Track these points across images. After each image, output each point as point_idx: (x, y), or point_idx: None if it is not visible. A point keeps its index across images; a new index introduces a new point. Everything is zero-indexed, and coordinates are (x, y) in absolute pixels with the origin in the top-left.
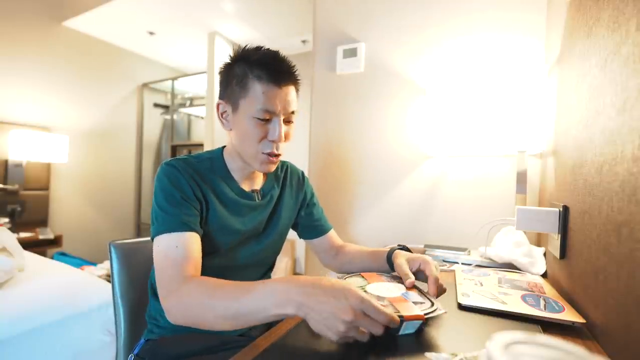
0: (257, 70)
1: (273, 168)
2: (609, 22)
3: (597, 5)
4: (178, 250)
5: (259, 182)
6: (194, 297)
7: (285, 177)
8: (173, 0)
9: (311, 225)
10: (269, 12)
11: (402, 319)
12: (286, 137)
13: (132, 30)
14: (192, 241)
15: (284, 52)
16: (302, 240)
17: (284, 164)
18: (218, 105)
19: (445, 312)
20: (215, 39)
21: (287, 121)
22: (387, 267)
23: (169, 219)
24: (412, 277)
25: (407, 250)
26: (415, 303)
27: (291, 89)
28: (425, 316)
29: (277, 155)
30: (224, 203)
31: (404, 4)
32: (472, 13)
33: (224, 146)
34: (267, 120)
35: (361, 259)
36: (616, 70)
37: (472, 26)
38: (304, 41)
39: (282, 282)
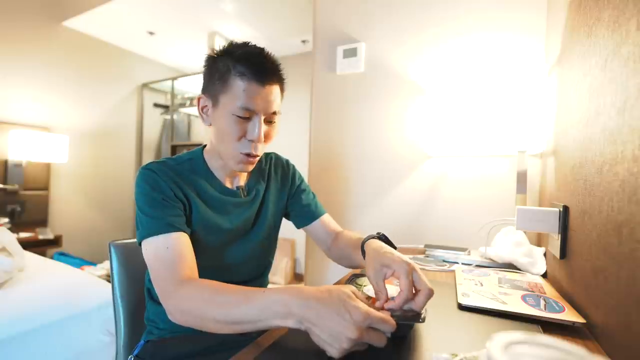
0: (240, 66)
1: (250, 168)
2: (609, 22)
3: (597, 5)
4: (169, 252)
5: (243, 179)
6: (193, 303)
7: (271, 170)
8: (173, 0)
9: (301, 212)
10: (269, 12)
11: None
12: (267, 137)
13: (132, 30)
14: (182, 241)
15: (283, 52)
16: (302, 240)
17: (268, 156)
18: (199, 99)
19: (422, 322)
20: (215, 39)
21: (269, 121)
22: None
23: (154, 222)
24: (382, 297)
25: (384, 239)
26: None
27: (274, 89)
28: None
29: (256, 156)
30: (207, 202)
31: (404, 4)
32: (472, 13)
33: (205, 145)
34: (247, 119)
35: (344, 249)
36: (616, 70)
37: (472, 26)
38: (304, 41)
39: (283, 292)
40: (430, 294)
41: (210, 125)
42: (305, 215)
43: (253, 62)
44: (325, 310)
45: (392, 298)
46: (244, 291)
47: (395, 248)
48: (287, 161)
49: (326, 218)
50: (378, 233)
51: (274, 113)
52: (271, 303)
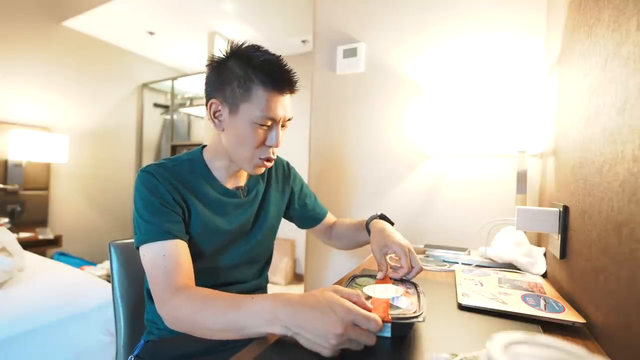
0: (261, 75)
1: (262, 171)
2: (609, 22)
3: (597, 5)
4: (165, 259)
5: (242, 179)
6: (185, 311)
7: (270, 171)
8: (173, 0)
9: (308, 216)
10: (269, 12)
11: None
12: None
13: (132, 30)
14: (179, 249)
15: (283, 52)
16: (302, 240)
17: None
18: (211, 104)
19: (422, 321)
20: (215, 39)
21: (282, 126)
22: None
23: (152, 228)
24: (383, 270)
25: (386, 219)
26: (397, 307)
27: (290, 96)
28: (392, 320)
29: (272, 160)
30: (206, 204)
31: (404, 4)
32: (472, 13)
33: (204, 145)
34: (268, 127)
35: (346, 233)
36: (616, 70)
37: (472, 26)
38: (304, 41)
39: (269, 300)
40: (421, 269)
41: (224, 130)
42: (311, 219)
43: (275, 72)
44: (311, 312)
45: (393, 299)
46: (232, 298)
47: (392, 224)
48: (287, 163)
49: (327, 216)
50: (379, 214)
51: (289, 119)
52: (258, 310)
